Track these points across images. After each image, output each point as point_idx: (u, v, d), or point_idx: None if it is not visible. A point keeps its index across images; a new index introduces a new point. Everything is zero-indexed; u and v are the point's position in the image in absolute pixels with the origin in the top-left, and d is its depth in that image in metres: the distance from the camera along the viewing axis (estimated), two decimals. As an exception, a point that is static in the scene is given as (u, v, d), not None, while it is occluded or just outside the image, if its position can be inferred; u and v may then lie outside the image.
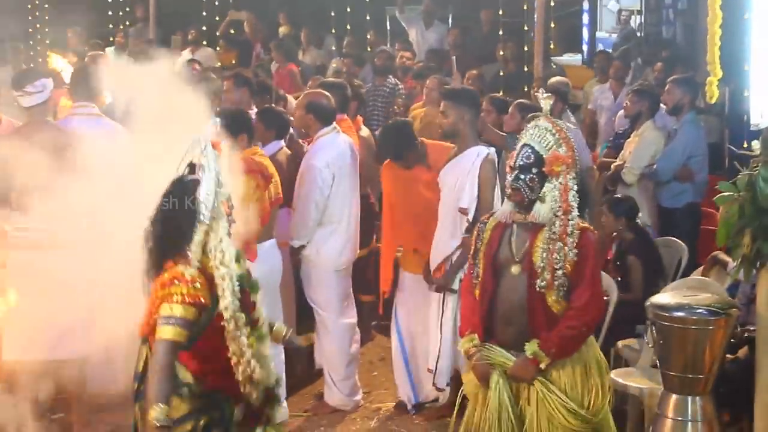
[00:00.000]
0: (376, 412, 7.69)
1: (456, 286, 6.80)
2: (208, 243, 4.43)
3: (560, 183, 4.98)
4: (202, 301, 4.34)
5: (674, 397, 5.90)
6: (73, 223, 6.54)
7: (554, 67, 13.52)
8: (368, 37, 15.26)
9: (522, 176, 5.00)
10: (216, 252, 4.43)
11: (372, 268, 9.04)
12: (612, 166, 9.17)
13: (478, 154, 6.98)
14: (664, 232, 8.28)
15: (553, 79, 10.51)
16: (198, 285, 4.34)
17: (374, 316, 9.24)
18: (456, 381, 6.79)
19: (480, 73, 11.61)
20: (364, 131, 9.18)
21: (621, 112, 10.26)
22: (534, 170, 5.00)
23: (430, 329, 7.17)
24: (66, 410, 6.79)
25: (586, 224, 5.09)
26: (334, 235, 7.60)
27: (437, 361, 7.08)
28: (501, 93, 10.77)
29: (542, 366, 4.98)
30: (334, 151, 7.54)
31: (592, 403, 5.06)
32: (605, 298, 7.04)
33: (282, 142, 7.95)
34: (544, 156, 5.00)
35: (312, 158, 7.50)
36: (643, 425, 6.50)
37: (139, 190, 4.82)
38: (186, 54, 13.86)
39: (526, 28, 13.13)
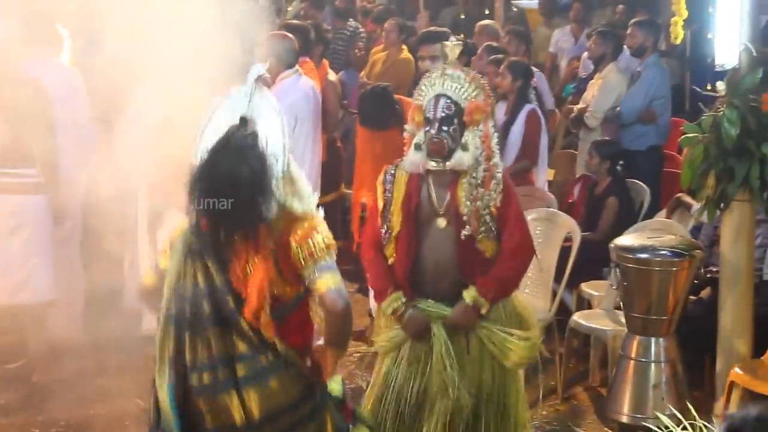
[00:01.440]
0: (340, 357, 7.64)
1: None
2: (294, 192, 3.96)
3: (481, 131, 4.93)
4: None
5: (637, 338, 5.93)
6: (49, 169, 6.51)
7: (515, 10, 13.45)
8: (329, -21, 15.11)
9: (445, 128, 4.88)
10: (306, 197, 3.99)
11: (339, 213, 8.99)
12: (575, 109, 9.14)
13: None
14: (627, 174, 8.27)
15: (484, 23, 10.45)
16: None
17: (340, 260, 9.17)
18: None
19: (431, 16, 11.53)
20: (332, 75, 9.06)
21: (585, 55, 10.21)
22: (455, 121, 4.88)
23: None
24: (25, 356, 6.74)
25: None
26: (296, 178, 7.49)
27: None
28: (462, 36, 10.72)
29: (483, 311, 4.86)
30: (296, 94, 7.41)
31: (528, 328, 4.97)
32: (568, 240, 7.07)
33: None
34: (463, 106, 4.89)
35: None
36: (607, 366, 6.54)
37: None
38: None
39: (486, -30, 13.05)
